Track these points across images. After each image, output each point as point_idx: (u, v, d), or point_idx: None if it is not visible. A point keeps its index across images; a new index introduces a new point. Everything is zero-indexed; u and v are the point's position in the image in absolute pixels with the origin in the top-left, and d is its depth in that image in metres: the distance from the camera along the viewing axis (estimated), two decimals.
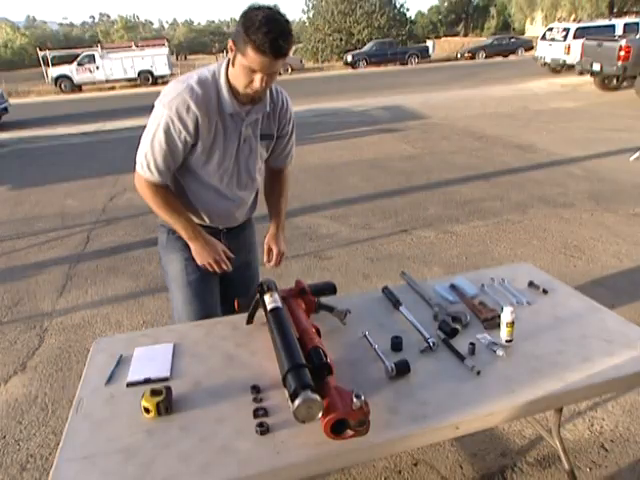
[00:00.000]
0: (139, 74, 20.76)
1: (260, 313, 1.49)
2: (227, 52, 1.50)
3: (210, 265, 1.64)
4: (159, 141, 1.45)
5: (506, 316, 1.38)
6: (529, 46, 23.21)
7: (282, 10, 1.38)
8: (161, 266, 1.80)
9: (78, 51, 22.33)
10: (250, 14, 1.32)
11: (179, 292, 1.72)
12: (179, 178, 1.61)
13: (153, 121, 1.46)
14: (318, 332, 1.34)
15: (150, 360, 1.41)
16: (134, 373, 1.35)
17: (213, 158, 1.53)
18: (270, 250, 1.76)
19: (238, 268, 1.77)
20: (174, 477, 1.03)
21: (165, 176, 1.52)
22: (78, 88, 20.72)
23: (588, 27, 13.69)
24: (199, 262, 1.64)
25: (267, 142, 1.63)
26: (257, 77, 1.37)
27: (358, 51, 24.49)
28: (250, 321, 1.54)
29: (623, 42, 9.87)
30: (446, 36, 39.11)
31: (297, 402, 1.04)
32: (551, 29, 14.76)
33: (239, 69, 1.39)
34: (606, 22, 14.46)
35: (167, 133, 1.44)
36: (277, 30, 1.30)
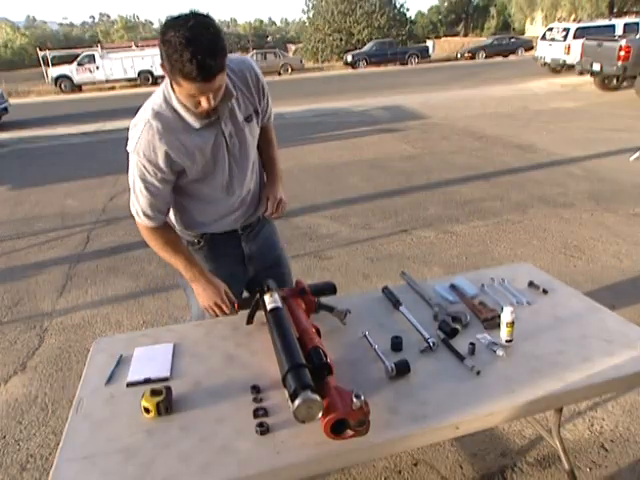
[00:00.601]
0: (139, 74, 20.75)
1: (260, 313, 1.49)
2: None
3: (211, 308, 1.58)
4: (140, 189, 1.41)
5: (506, 316, 1.38)
6: (529, 46, 23.21)
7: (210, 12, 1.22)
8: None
9: (78, 51, 22.33)
10: (168, 36, 1.17)
11: (196, 301, 1.66)
12: (182, 207, 1.58)
13: (130, 170, 1.42)
14: (318, 332, 1.34)
15: (150, 360, 1.41)
16: (134, 373, 1.35)
17: (210, 175, 1.48)
18: (267, 199, 1.65)
19: (266, 267, 1.74)
20: (174, 477, 1.03)
21: (158, 219, 1.48)
22: (78, 88, 20.72)
23: (588, 27, 13.69)
24: (201, 304, 1.59)
25: (254, 119, 1.52)
26: (202, 99, 1.26)
27: (358, 51, 24.48)
28: (250, 321, 1.54)
29: (623, 42, 9.86)
30: (446, 36, 39.11)
31: (297, 402, 1.04)
32: (551, 29, 14.76)
33: (180, 94, 1.29)
34: (606, 22, 14.46)
35: (143, 180, 1.39)
36: (201, 50, 1.15)
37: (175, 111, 1.36)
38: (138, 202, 1.44)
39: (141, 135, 1.35)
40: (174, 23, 1.18)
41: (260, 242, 1.74)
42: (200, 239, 1.64)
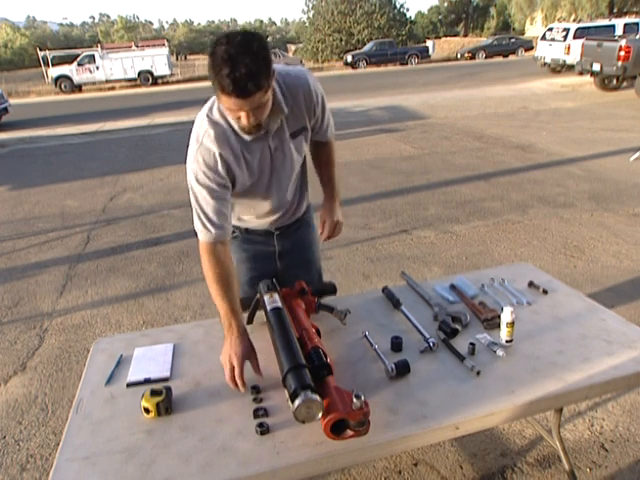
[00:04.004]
0: (139, 74, 20.75)
1: (260, 313, 1.49)
2: None
3: (226, 365, 1.32)
4: (204, 198, 1.39)
5: (506, 316, 1.38)
6: (529, 46, 23.22)
7: (258, 31, 1.23)
8: None
9: (78, 51, 22.33)
10: (214, 49, 1.19)
11: None
12: None
13: (190, 184, 1.41)
14: (318, 332, 1.35)
15: (150, 360, 1.41)
16: (134, 373, 1.36)
17: (252, 184, 1.50)
18: (324, 223, 1.69)
19: (294, 266, 1.76)
20: (174, 477, 1.03)
21: (224, 228, 1.42)
22: (78, 88, 20.72)
23: (588, 27, 13.69)
24: (221, 355, 1.36)
25: (302, 136, 1.53)
26: (241, 114, 1.26)
27: (358, 51, 24.48)
28: (250, 321, 1.54)
29: (623, 42, 9.87)
30: (446, 36, 39.14)
31: (297, 402, 1.04)
32: (551, 29, 14.76)
33: (222, 107, 1.31)
34: (606, 22, 14.46)
35: (206, 186, 1.38)
36: (240, 68, 1.15)
37: (228, 122, 1.38)
38: (203, 212, 1.40)
39: (202, 143, 1.37)
40: (223, 38, 1.20)
41: (294, 241, 1.76)
42: (236, 229, 1.69)
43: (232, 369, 1.28)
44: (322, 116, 1.56)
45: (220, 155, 1.37)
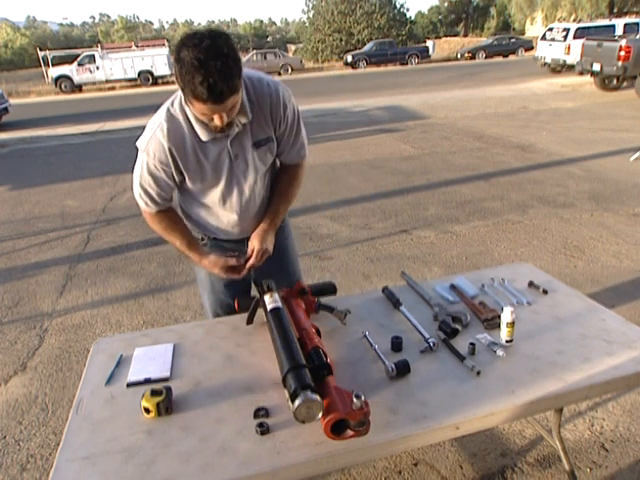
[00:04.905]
0: (139, 74, 20.76)
1: (260, 313, 1.49)
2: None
3: (226, 273, 1.57)
4: (148, 182, 1.46)
5: (506, 316, 1.38)
6: (529, 46, 23.23)
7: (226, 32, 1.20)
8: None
9: (78, 51, 22.35)
10: (182, 55, 1.16)
11: (205, 295, 1.77)
12: (187, 209, 1.63)
13: (137, 164, 1.47)
14: (318, 332, 1.35)
15: (150, 360, 1.41)
16: (134, 373, 1.35)
17: (207, 186, 1.49)
18: (253, 248, 1.58)
19: (269, 274, 1.67)
20: (174, 477, 1.03)
21: (164, 204, 1.53)
22: (78, 88, 20.72)
23: (588, 27, 13.70)
24: (217, 274, 1.59)
25: (266, 147, 1.50)
26: (214, 117, 1.26)
27: (358, 51, 24.49)
28: (250, 321, 1.54)
29: (623, 42, 9.87)
30: (446, 36, 39.15)
31: (297, 402, 1.04)
32: (551, 29, 14.76)
33: (194, 110, 1.29)
34: (606, 22, 14.47)
35: (152, 174, 1.44)
36: (213, 74, 1.14)
37: (187, 118, 1.38)
38: (146, 193, 1.49)
39: (153, 134, 1.39)
40: (189, 41, 1.17)
41: None
42: (204, 237, 1.67)
43: (230, 268, 1.54)
44: (291, 134, 1.53)
45: (169, 150, 1.38)
